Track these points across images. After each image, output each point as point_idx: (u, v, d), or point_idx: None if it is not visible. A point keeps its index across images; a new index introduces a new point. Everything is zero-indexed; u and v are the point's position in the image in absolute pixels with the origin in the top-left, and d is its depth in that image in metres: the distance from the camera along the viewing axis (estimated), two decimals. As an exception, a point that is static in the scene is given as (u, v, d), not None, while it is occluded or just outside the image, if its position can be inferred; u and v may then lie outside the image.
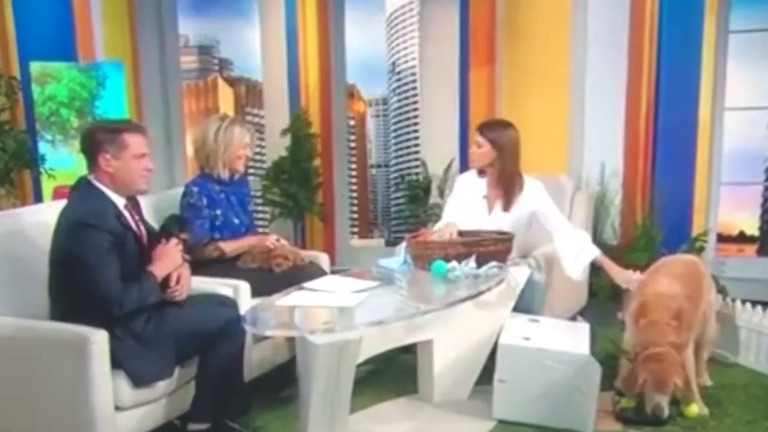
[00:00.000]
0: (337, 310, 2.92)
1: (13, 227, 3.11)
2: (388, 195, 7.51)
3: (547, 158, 5.34)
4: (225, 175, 3.81)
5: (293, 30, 6.35)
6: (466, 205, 3.93)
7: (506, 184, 3.86)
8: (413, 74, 7.15)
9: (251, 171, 7.25)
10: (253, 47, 6.69)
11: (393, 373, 3.88)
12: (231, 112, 6.85)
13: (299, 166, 6.14)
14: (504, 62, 5.60)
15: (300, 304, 3.04)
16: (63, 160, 5.91)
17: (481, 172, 3.95)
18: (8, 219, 3.22)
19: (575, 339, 3.36)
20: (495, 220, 3.85)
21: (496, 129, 3.87)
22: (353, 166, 7.09)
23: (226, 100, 7.45)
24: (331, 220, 6.50)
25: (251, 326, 2.76)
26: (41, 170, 5.84)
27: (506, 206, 3.86)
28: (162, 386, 2.92)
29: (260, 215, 6.27)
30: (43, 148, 5.92)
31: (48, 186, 5.88)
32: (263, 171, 6.42)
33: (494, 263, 3.41)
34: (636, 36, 5.35)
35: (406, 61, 7.31)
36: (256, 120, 7.02)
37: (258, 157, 6.39)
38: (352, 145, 7.17)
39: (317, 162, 6.33)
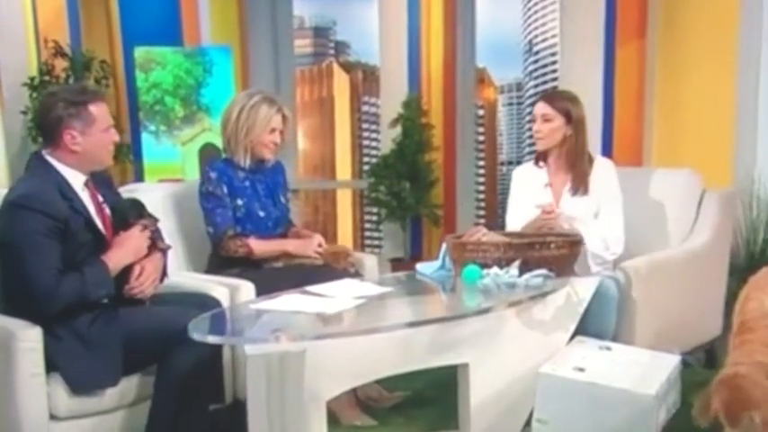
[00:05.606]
0: (314, 316, 2.42)
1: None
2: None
3: (706, 154, 4.39)
4: (246, 163, 3.28)
5: (416, 7, 5.74)
6: (529, 201, 3.27)
7: (580, 164, 3.26)
8: (552, 54, 6.15)
9: (365, 168, 6.68)
10: (371, 28, 6.06)
11: (439, 402, 3.23)
12: (347, 101, 6.28)
13: (406, 160, 5.43)
14: (658, 34, 4.72)
15: (276, 309, 2.50)
16: (166, 153, 5.56)
17: (539, 160, 3.37)
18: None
19: (646, 375, 2.55)
20: (568, 209, 3.20)
21: (567, 99, 3.28)
22: (481, 162, 6.23)
23: (341, 87, 6.86)
24: (452, 224, 5.72)
25: (192, 330, 2.23)
26: (127, 161, 5.55)
27: (583, 188, 3.24)
28: (111, 395, 2.54)
29: (374, 217, 5.67)
30: (146, 139, 5.58)
31: (151, 180, 5.50)
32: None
33: (541, 270, 2.67)
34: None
35: (545, 39, 6.30)
36: (372, 110, 6.38)
37: (374, 152, 5.75)
38: (480, 138, 6.31)
39: (432, 156, 5.62)
